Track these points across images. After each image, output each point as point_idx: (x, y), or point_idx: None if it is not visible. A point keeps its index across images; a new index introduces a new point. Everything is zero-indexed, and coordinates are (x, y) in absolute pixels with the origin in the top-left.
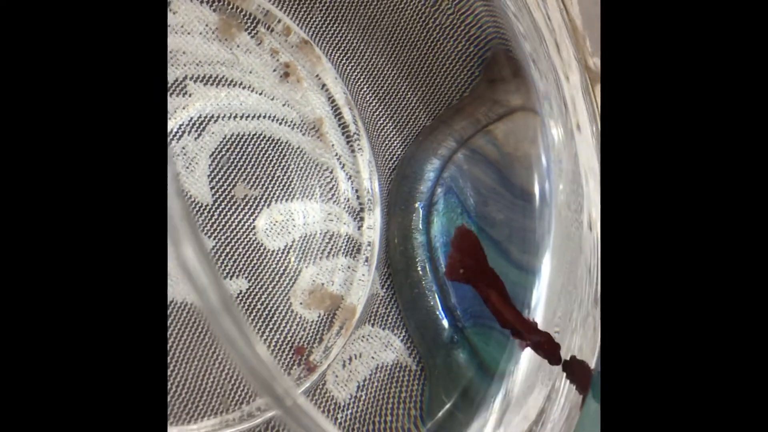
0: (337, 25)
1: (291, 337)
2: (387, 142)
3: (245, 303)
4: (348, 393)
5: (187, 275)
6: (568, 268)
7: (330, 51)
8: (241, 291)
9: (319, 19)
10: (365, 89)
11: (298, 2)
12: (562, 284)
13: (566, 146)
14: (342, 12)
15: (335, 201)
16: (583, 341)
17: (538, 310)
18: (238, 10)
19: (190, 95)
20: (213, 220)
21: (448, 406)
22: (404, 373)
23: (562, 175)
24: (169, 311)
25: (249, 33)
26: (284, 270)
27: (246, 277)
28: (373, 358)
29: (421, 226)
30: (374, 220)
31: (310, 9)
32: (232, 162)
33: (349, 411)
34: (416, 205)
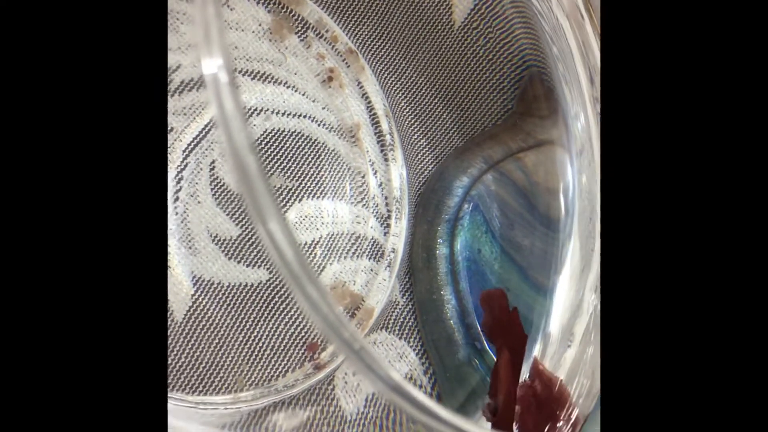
0: (382, 40)
1: (305, 333)
2: (419, 157)
3: (264, 294)
4: (356, 406)
5: (273, 245)
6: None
7: (373, 63)
8: (261, 281)
9: (367, 32)
10: (403, 104)
11: (348, 14)
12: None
13: (590, 180)
14: (388, 29)
15: (364, 205)
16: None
17: (552, 329)
18: (292, 14)
19: (237, 87)
20: (241, 209)
21: None
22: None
23: (587, 209)
24: (194, 290)
25: (299, 36)
26: (299, 270)
27: (267, 269)
28: None
29: (445, 239)
30: (400, 228)
31: (359, 22)
32: (271, 154)
33: (355, 430)
34: (443, 217)
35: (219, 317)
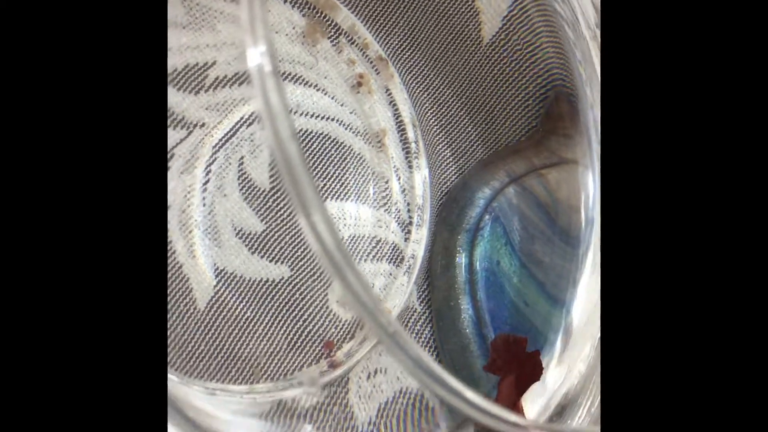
0: (412, 50)
1: (323, 331)
2: (443, 166)
3: (284, 291)
4: (368, 414)
5: (316, 237)
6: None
7: (402, 72)
8: (282, 278)
9: (397, 41)
10: (429, 114)
11: (380, 22)
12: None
13: None
14: (418, 40)
15: (387, 209)
16: None
17: (571, 346)
18: (326, 18)
19: (280, 76)
20: (267, 206)
21: None
22: (428, 411)
23: None
24: (216, 281)
25: (331, 41)
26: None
27: (289, 266)
28: (398, 378)
29: (465, 248)
30: (421, 235)
31: (390, 31)
32: None
33: None
34: (463, 226)
35: (239, 309)
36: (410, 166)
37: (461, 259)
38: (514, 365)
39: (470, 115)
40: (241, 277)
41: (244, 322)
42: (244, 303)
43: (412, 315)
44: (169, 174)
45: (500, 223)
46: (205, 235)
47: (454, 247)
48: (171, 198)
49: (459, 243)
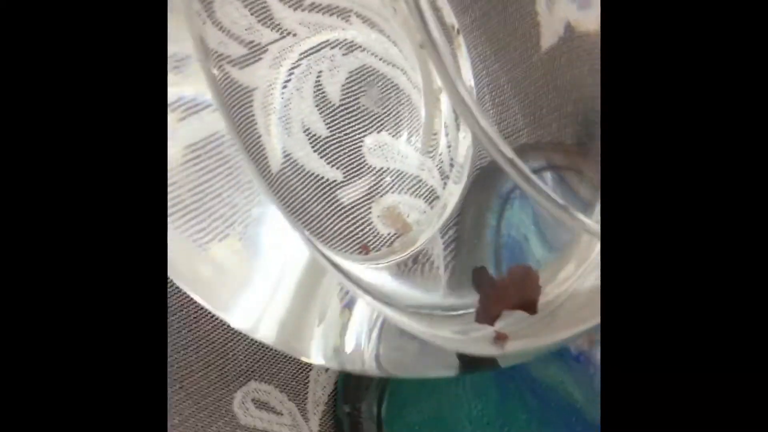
0: (481, 32)
1: (361, 236)
2: None
3: (334, 192)
4: None
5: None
6: None
7: (469, 47)
8: (336, 180)
9: (470, 20)
10: (484, 93)
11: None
12: None
13: None
14: (489, 25)
15: (432, 157)
16: None
17: None
18: None
19: (350, 24)
20: (333, 117)
21: None
22: None
23: None
24: (283, 161)
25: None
26: (376, 183)
27: (343, 172)
28: None
29: (495, 212)
30: (457, 189)
31: (468, 7)
32: (369, 82)
33: None
34: (497, 191)
35: (298, 191)
36: (458, 128)
37: (491, 221)
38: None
39: (521, 105)
40: (302, 166)
41: (300, 202)
42: (301, 187)
43: (428, 256)
44: (260, 64)
45: (528, 202)
46: (280, 121)
47: (486, 208)
48: (259, 82)
49: (491, 205)
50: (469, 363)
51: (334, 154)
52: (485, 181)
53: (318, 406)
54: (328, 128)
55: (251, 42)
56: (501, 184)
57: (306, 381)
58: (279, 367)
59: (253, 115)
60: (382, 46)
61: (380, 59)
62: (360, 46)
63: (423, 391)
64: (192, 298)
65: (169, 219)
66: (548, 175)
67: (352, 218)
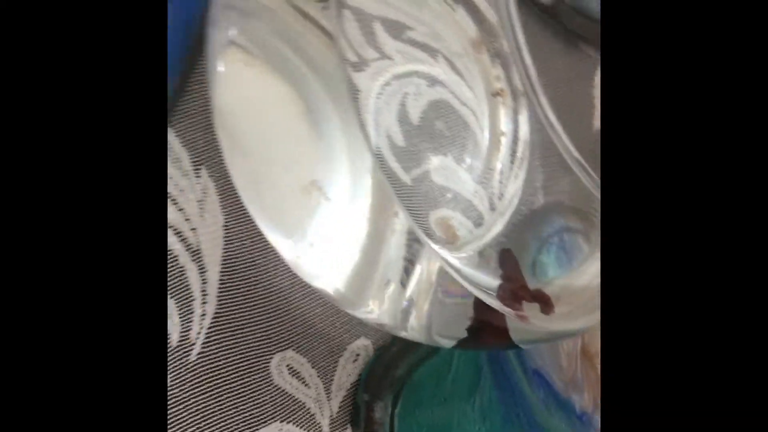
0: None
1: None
2: (536, 186)
3: (402, 192)
4: None
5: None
6: None
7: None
8: (405, 183)
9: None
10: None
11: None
12: None
13: None
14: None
15: (485, 187)
16: None
17: None
18: (493, 39)
19: (437, 62)
20: (410, 131)
21: None
22: None
23: None
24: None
25: (489, 53)
26: (435, 195)
27: (411, 178)
28: None
29: (530, 253)
30: (501, 221)
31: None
32: (437, 110)
33: None
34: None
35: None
36: (511, 168)
37: (525, 259)
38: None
39: (557, 167)
40: (385, 160)
41: None
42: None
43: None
44: (364, 74)
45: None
46: (373, 121)
47: (523, 244)
48: (362, 86)
49: (528, 243)
50: (478, 329)
51: (406, 162)
52: (530, 221)
53: (341, 390)
54: (405, 140)
55: (360, 55)
56: (544, 228)
57: (335, 365)
58: (315, 344)
59: (359, 109)
60: (459, 87)
61: (456, 97)
62: (442, 83)
63: (437, 398)
64: (255, 262)
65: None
66: (564, 236)
67: (413, 218)
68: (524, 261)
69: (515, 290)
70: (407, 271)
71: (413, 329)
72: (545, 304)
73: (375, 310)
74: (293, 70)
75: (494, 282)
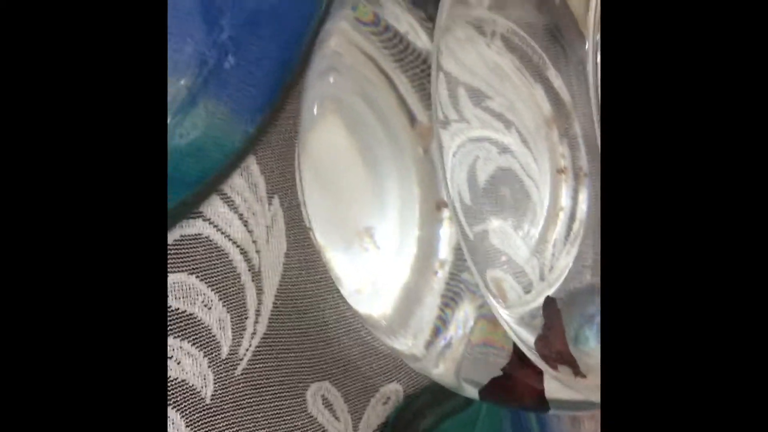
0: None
1: None
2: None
3: (469, 244)
4: None
5: None
6: None
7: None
8: (469, 237)
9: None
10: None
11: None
12: None
13: None
14: None
15: (538, 259)
16: None
17: None
18: (563, 129)
19: (509, 133)
20: (477, 191)
21: None
22: None
23: None
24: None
25: (560, 132)
26: (492, 255)
27: (473, 234)
28: None
29: (573, 327)
30: (548, 291)
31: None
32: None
33: None
34: (581, 310)
35: None
36: (565, 244)
37: (569, 331)
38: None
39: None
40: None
41: None
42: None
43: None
44: (446, 131)
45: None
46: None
47: (567, 318)
48: (444, 143)
49: (572, 317)
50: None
51: (471, 219)
52: (576, 296)
53: (368, 429)
54: (471, 199)
55: (445, 114)
56: (588, 306)
57: (366, 404)
58: (351, 381)
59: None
60: (526, 159)
61: (522, 168)
62: (511, 152)
63: None
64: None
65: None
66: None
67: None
68: (567, 333)
69: (553, 341)
70: (446, 314)
71: (444, 370)
72: (573, 367)
73: (410, 342)
74: (367, 124)
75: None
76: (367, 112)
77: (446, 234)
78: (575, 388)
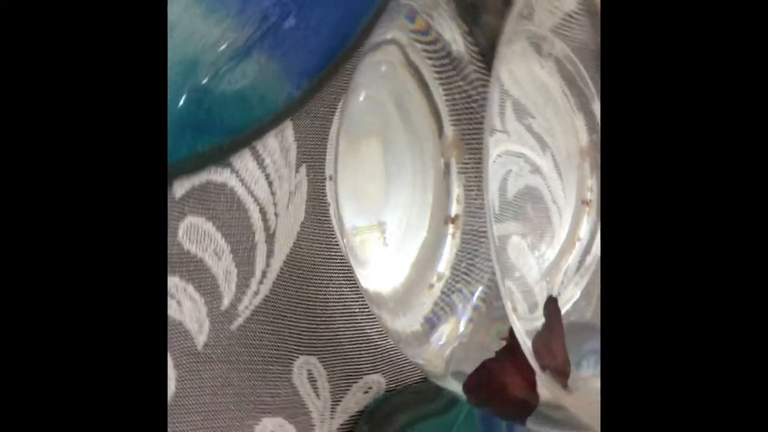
0: None
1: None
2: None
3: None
4: None
5: None
6: None
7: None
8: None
9: None
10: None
11: None
12: None
13: None
14: None
15: (547, 281)
16: None
17: None
18: (595, 162)
19: (544, 155)
20: (503, 207)
21: None
22: None
23: None
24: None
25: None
26: (508, 266)
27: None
28: None
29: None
30: (538, 321)
31: None
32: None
33: None
34: (579, 345)
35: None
36: (575, 275)
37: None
38: None
39: None
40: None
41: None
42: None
43: None
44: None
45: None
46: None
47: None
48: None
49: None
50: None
51: (497, 226)
52: (575, 330)
53: (344, 413)
54: (499, 209)
55: (492, 123)
56: (585, 343)
57: (348, 389)
58: (338, 363)
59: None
60: (555, 184)
61: (550, 192)
62: (542, 174)
63: None
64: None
65: None
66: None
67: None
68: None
69: (552, 344)
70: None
71: (434, 357)
72: (564, 375)
73: (414, 324)
74: (395, 123)
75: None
76: (396, 115)
77: (448, 249)
78: (559, 400)
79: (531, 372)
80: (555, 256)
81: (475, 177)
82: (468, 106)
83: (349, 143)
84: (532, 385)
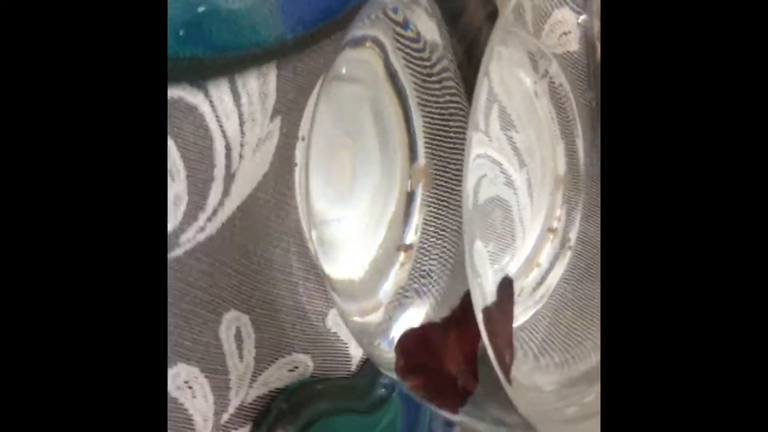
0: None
1: None
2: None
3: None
4: None
5: None
6: None
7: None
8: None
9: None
10: None
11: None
12: None
13: None
14: None
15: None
16: None
17: None
18: (568, 195)
19: (521, 170)
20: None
21: None
22: None
23: None
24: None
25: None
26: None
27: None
28: None
29: None
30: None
31: None
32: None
33: None
34: None
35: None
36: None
37: None
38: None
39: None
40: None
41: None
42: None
43: None
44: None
45: None
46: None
47: None
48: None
49: None
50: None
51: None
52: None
53: (264, 386)
54: (471, 210)
55: (476, 120)
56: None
57: (274, 361)
58: (271, 330)
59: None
60: (525, 204)
61: (519, 210)
62: (515, 190)
63: None
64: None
65: None
66: None
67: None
68: None
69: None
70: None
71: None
72: (506, 360)
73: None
74: (368, 131)
75: None
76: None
77: (394, 277)
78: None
79: (473, 351)
80: (513, 274)
81: (437, 210)
82: (445, 135)
83: (331, 111)
84: (470, 364)
